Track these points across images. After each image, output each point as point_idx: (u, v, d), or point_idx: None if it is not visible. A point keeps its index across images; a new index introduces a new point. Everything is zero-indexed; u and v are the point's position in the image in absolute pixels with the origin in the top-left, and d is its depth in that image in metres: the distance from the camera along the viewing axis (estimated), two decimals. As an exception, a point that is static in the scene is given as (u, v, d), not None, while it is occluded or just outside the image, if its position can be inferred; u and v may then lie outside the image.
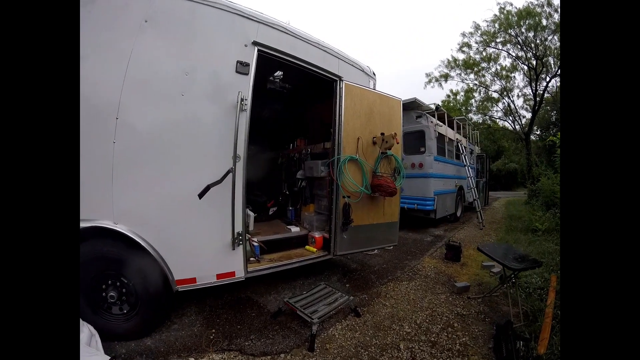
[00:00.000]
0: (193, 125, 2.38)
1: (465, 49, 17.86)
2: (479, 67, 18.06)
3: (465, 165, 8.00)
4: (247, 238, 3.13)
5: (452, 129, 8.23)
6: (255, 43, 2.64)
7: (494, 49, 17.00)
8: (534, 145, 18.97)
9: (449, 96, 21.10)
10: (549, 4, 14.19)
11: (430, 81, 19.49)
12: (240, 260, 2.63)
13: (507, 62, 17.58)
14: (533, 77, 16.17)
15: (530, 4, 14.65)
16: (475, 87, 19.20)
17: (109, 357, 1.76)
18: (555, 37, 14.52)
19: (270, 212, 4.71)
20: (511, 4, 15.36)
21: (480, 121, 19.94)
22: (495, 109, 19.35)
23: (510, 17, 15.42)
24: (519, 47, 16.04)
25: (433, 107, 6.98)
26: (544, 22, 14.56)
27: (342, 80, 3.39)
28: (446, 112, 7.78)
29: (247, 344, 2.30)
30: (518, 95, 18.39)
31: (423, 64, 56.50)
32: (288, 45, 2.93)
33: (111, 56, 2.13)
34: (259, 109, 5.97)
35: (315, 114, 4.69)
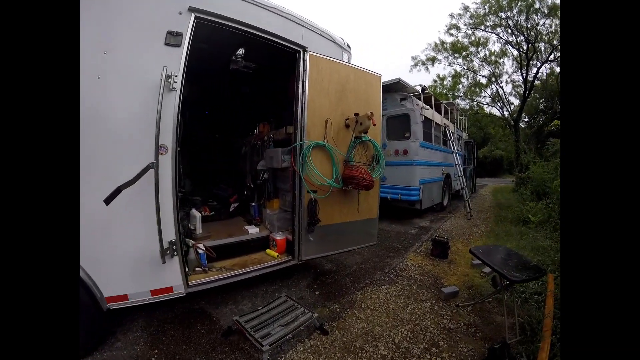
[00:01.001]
0: (111, 113, 1.95)
1: (453, 31, 17.37)
2: (468, 52, 17.58)
3: (453, 152, 7.53)
4: (190, 245, 2.65)
5: (440, 113, 7.71)
6: (192, 9, 2.20)
7: (484, 32, 16.50)
8: (522, 132, 18.81)
9: (435, 81, 20.63)
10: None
11: (416, 64, 18.98)
12: (178, 273, 2.22)
13: (496, 47, 17.18)
14: (524, 62, 15.80)
15: (521, -15, 14.18)
16: (463, 72, 18.77)
17: None
18: (547, 22, 14.08)
19: (231, 209, 4.13)
20: (502, -15, 14.84)
21: (468, 107, 19.62)
22: (483, 94, 19.03)
23: (501, -1, 14.89)
24: (509, 31, 15.56)
25: (419, 88, 6.40)
26: (537, 4, 14.06)
27: (307, 51, 2.79)
28: (433, 95, 7.23)
29: None
30: (507, 82, 18.08)
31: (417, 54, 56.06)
32: (237, 10, 2.43)
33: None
34: (224, 93, 5.35)
35: (280, 95, 4.07)
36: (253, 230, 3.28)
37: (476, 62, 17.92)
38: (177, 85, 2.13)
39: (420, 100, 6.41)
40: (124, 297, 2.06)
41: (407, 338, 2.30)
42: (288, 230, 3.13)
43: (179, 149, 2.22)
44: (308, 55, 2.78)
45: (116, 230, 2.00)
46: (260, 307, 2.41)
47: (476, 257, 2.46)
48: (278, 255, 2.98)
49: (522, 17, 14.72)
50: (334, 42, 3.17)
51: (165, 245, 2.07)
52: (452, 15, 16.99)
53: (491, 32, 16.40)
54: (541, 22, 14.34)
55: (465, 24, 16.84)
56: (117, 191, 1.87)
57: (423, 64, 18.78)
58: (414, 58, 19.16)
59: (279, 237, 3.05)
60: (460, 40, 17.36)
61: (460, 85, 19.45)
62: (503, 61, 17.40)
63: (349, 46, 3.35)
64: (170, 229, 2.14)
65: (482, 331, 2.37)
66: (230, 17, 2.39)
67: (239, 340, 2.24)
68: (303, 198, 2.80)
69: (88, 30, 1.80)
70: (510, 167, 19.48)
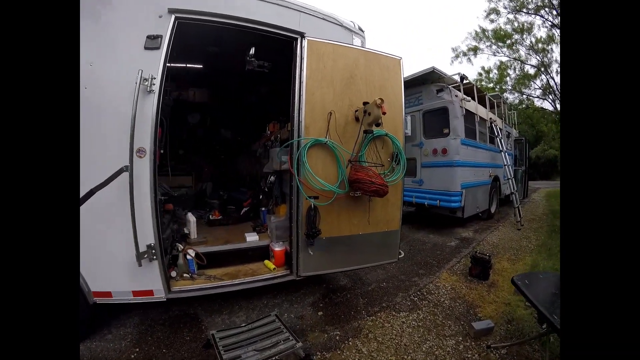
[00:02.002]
0: (96, 120, 2.01)
1: (493, 16, 15.60)
2: (512, 40, 15.64)
3: (501, 151, 6.50)
4: (179, 250, 2.49)
5: (484, 106, 6.73)
6: (172, 11, 2.18)
7: (527, 15, 14.52)
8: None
9: (480, 74, 18.76)
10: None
11: (457, 56, 17.48)
12: (158, 278, 2.21)
13: (542, 33, 14.98)
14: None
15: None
16: (509, 63, 16.77)
17: None
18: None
19: (242, 213, 3.94)
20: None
21: (517, 101, 17.48)
22: (533, 86, 16.77)
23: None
24: (555, 12, 13.41)
25: (457, 78, 5.59)
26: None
27: (305, 38, 2.46)
28: (475, 85, 6.30)
29: None
30: (557, 71, 15.64)
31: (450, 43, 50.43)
32: (221, 3, 2.32)
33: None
34: (244, 95, 5.25)
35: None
36: (252, 238, 3.02)
37: (522, 51, 15.85)
38: (156, 87, 2.09)
39: (459, 91, 5.62)
40: (108, 294, 2.15)
41: (417, 388, 1.81)
42: (288, 241, 2.80)
43: (162, 151, 2.15)
44: (306, 41, 2.44)
45: (100, 230, 2.06)
46: (243, 324, 2.20)
47: (518, 290, 1.86)
48: (275, 269, 2.66)
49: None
50: (341, 25, 2.76)
51: (143, 248, 2.06)
52: (489, -2, 15.25)
53: (535, 15, 14.33)
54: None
55: (505, 7, 14.98)
56: (90, 193, 1.94)
57: (464, 54, 17.28)
58: (454, 49, 17.68)
59: (277, 247, 2.73)
60: (502, 27, 15.51)
61: (508, 78, 17.38)
62: (551, 48, 15.10)
63: (361, 29, 2.92)
64: (149, 233, 2.11)
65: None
66: (213, 12, 2.28)
67: (217, 356, 1.99)
68: (301, 205, 2.45)
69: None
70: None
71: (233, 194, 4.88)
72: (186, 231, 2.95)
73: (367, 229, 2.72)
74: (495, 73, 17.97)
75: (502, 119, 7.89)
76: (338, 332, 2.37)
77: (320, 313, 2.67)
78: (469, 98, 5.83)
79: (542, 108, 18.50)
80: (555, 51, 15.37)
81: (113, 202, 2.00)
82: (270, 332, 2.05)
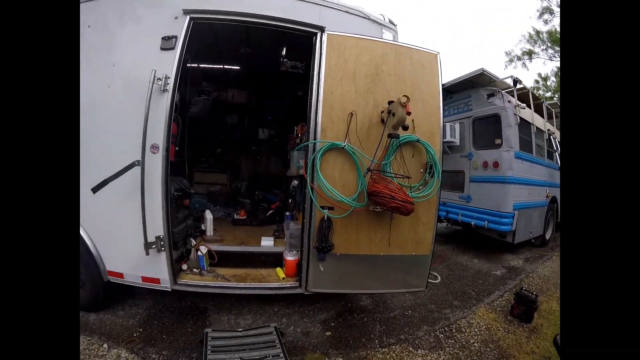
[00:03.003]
0: (117, 116, 2.22)
1: (546, 16, 13.84)
2: None
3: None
4: (192, 245, 2.61)
5: (541, 116, 5.84)
6: (187, 11, 2.24)
7: None
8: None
9: (537, 81, 16.71)
10: None
11: (511, 60, 15.83)
12: (165, 268, 2.28)
13: None
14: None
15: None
16: None
17: None
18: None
19: (267, 215, 3.91)
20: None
21: None
22: None
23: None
24: None
25: (510, 82, 4.91)
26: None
27: (325, 32, 2.29)
28: (530, 91, 5.50)
29: (153, 357, 2.12)
30: None
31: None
32: (235, 2, 2.32)
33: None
34: (280, 96, 5.27)
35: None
36: (266, 243, 2.93)
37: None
38: (170, 87, 2.14)
39: (513, 96, 4.94)
40: (121, 275, 2.33)
41: None
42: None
43: (177, 148, 2.36)
44: (326, 35, 2.27)
45: (116, 216, 2.26)
46: (239, 329, 2.25)
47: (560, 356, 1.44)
48: (284, 278, 2.52)
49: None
50: (368, 18, 2.53)
51: (151, 239, 2.15)
52: (541, -4, 13.51)
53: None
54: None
55: (559, 5, 13.16)
56: (104, 182, 2.12)
57: (519, 59, 15.60)
58: (507, 53, 16.08)
59: (290, 257, 2.58)
60: (558, 29, 13.68)
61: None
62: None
63: (392, 23, 2.65)
64: (159, 225, 2.18)
65: None
66: (226, 10, 2.28)
67: (204, 353, 1.99)
68: (314, 215, 2.27)
69: (101, 47, 2.23)
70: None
71: (267, 195, 4.90)
72: (203, 227, 2.98)
73: (391, 250, 2.41)
74: (553, 80, 15.95)
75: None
76: (340, 359, 2.14)
77: (328, 333, 2.46)
78: (524, 105, 5.09)
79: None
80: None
81: (128, 192, 2.13)
82: (263, 343, 1.96)
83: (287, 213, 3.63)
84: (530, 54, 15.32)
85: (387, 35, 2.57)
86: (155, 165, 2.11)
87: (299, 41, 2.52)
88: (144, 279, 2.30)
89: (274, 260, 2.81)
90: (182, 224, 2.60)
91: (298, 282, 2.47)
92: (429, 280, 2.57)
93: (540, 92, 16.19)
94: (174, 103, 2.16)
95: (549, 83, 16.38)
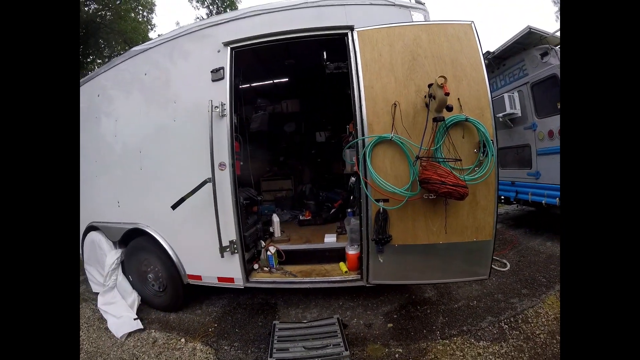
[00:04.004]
0: (186, 143, 2.63)
1: None
2: None
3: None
4: (262, 246, 2.95)
5: None
6: (226, 43, 2.51)
7: None
8: None
9: None
10: None
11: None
12: (238, 268, 2.58)
13: None
14: None
15: None
16: None
17: (135, 317, 2.73)
18: None
19: (331, 213, 4.10)
20: None
21: None
22: None
23: None
24: None
25: None
26: None
27: (354, 30, 2.35)
28: None
29: (225, 348, 2.37)
30: None
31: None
32: (266, 25, 2.51)
33: (129, 111, 2.97)
34: (331, 98, 5.41)
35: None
36: (329, 240, 3.10)
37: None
38: (227, 111, 2.45)
39: None
40: (199, 277, 2.71)
41: None
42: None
43: (242, 163, 2.73)
44: (356, 33, 2.32)
45: (194, 227, 2.64)
46: (304, 321, 2.43)
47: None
48: (347, 272, 2.65)
49: None
50: (393, 4, 2.46)
51: (225, 243, 2.48)
52: None
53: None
54: None
55: None
56: (181, 200, 2.49)
57: None
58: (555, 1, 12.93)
59: (351, 251, 2.70)
60: None
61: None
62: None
63: (420, 2, 2.52)
64: (232, 231, 2.50)
65: None
66: (259, 34, 2.49)
67: (270, 343, 2.21)
68: (370, 208, 2.35)
69: (162, 89, 2.74)
70: None
71: (330, 195, 5.13)
72: (271, 230, 3.32)
73: (449, 237, 2.34)
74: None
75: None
76: (400, 350, 2.18)
77: (390, 325, 2.51)
78: None
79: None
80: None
81: (204, 205, 2.49)
82: (325, 333, 2.11)
83: (349, 210, 3.76)
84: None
85: (418, 17, 2.46)
86: (224, 180, 2.44)
87: (336, 42, 2.59)
88: (220, 279, 2.63)
89: (338, 255, 2.95)
90: (252, 228, 2.94)
91: (359, 275, 2.57)
92: (495, 267, 2.39)
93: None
94: (233, 124, 2.45)
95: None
